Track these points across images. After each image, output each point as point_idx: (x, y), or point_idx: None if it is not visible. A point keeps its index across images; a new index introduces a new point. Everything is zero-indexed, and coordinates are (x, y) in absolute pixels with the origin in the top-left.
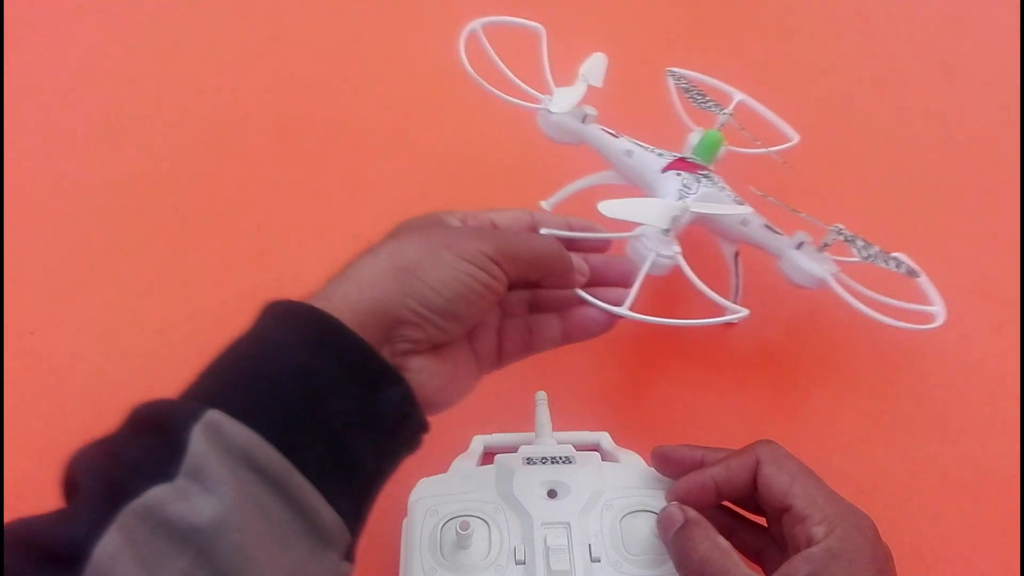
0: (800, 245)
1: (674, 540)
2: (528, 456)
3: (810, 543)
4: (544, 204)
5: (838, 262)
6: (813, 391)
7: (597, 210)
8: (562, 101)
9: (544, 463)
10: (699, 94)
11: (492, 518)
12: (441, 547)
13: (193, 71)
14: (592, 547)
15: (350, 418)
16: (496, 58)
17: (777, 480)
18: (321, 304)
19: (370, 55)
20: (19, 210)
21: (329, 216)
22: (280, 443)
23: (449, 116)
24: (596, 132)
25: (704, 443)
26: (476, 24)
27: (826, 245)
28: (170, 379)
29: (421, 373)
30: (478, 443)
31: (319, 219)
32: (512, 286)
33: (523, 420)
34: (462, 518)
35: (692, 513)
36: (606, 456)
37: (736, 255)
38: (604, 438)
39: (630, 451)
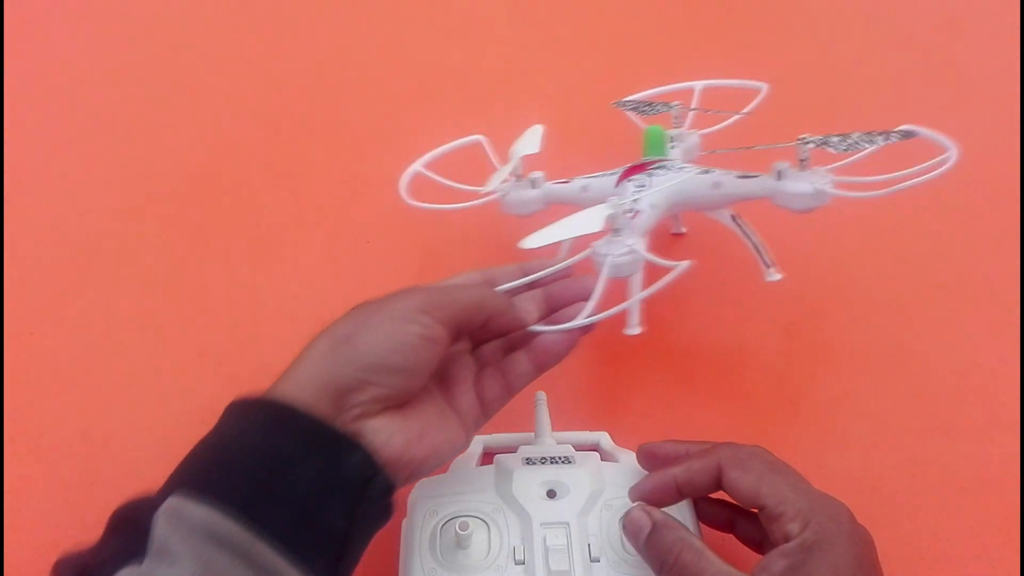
0: (780, 174)
1: (647, 546)
2: (527, 456)
3: (787, 539)
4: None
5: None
6: (812, 391)
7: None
8: (492, 182)
9: (543, 463)
10: (647, 106)
11: (491, 518)
12: (441, 547)
13: (193, 71)
14: (591, 547)
15: (313, 487)
16: (440, 179)
17: (743, 482)
18: (273, 392)
19: (371, 55)
20: (19, 210)
21: (329, 216)
22: (244, 516)
23: (448, 116)
24: (550, 189)
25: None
26: (417, 166)
27: (803, 160)
28: (170, 379)
29: (381, 433)
30: (477, 443)
31: (319, 219)
32: (463, 337)
33: (523, 420)
34: (461, 518)
35: (658, 515)
36: (605, 456)
37: (734, 218)
38: (603, 438)
39: (629, 451)
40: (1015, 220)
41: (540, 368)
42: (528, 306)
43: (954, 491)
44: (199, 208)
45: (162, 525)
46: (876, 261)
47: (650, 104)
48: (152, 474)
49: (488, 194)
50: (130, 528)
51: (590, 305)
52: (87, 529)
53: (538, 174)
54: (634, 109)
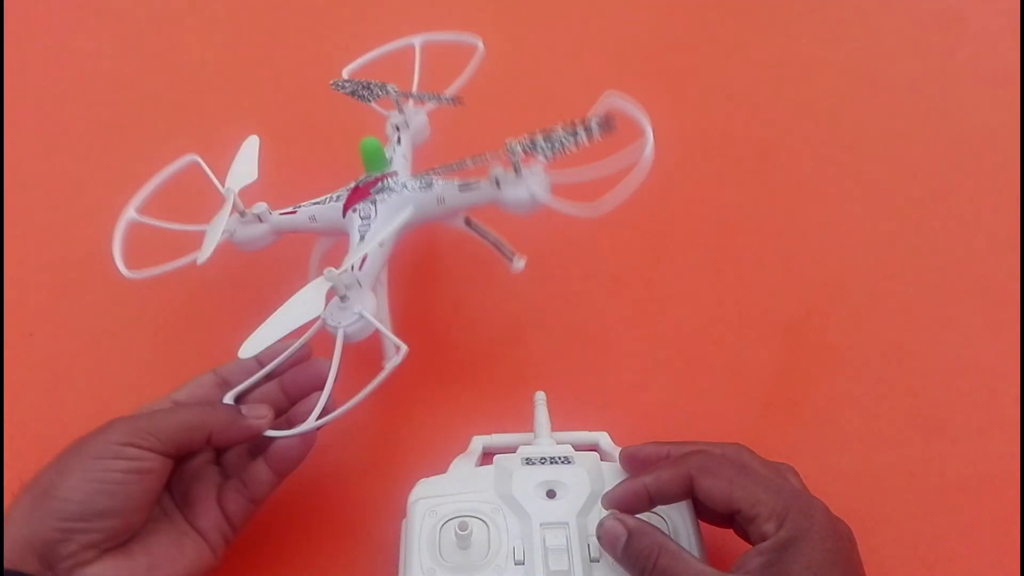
0: (497, 182)
1: (624, 556)
2: (527, 456)
3: (764, 539)
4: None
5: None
6: (812, 391)
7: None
8: (212, 230)
9: (543, 463)
10: (365, 89)
11: (491, 518)
12: (440, 547)
13: (193, 71)
14: (591, 547)
15: None
16: (158, 223)
17: (715, 490)
18: None
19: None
20: (19, 210)
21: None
22: None
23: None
24: (277, 220)
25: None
26: (130, 215)
27: (516, 166)
28: (170, 379)
29: None
30: (477, 443)
31: None
32: (195, 455)
33: (522, 420)
34: (461, 518)
35: (632, 522)
36: (605, 456)
37: (467, 222)
38: (603, 438)
39: None
40: (1015, 220)
41: (281, 474)
42: (259, 410)
43: (954, 491)
44: (199, 208)
45: None
46: (876, 261)
47: (368, 87)
48: None
49: (215, 240)
50: None
51: (324, 397)
52: None
53: (261, 206)
54: (352, 93)
